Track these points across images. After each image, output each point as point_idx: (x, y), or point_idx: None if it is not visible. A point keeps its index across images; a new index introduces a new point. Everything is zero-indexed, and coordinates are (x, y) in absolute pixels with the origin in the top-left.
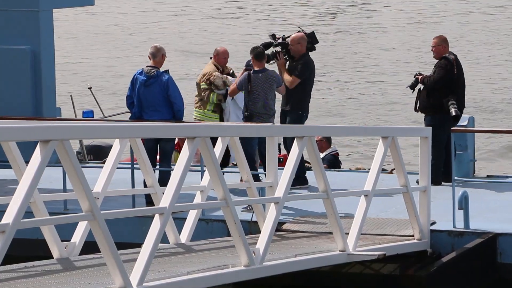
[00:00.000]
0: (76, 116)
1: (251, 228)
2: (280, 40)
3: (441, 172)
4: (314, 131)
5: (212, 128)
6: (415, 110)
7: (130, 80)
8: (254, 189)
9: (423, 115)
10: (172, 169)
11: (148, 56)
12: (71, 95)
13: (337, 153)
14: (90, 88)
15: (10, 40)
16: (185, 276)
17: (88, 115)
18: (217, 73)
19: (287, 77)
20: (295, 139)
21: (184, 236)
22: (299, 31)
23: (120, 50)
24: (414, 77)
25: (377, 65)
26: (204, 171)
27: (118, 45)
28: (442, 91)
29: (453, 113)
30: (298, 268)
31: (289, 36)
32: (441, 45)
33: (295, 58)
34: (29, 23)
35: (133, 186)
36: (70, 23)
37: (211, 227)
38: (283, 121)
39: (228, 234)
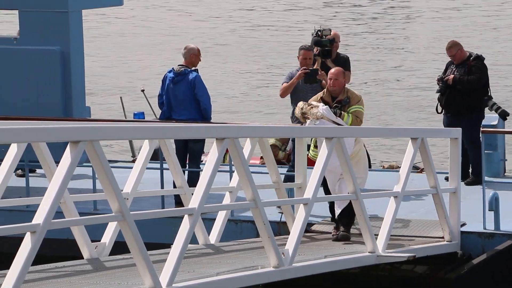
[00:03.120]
0: (126, 118)
1: (280, 229)
2: (324, 38)
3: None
4: (342, 133)
5: (241, 129)
6: (438, 112)
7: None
8: (283, 190)
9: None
10: (201, 170)
11: (182, 55)
12: (120, 97)
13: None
14: (143, 91)
15: (40, 41)
16: (214, 277)
17: (139, 116)
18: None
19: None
20: (324, 140)
21: (213, 236)
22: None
23: (152, 50)
24: (438, 81)
25: (403, 64)
26: (233, 171)
27: (147, 46)
28: (479, 90)
29: (505, 113)
30: (327, 269)
31: (324, 32)
32: (458, 50)
33: (332, 57)
34: (58, 24)
35: (162, 187)
36: (100, 23)
37: (240, 228)
38: None
39: (257, 235)
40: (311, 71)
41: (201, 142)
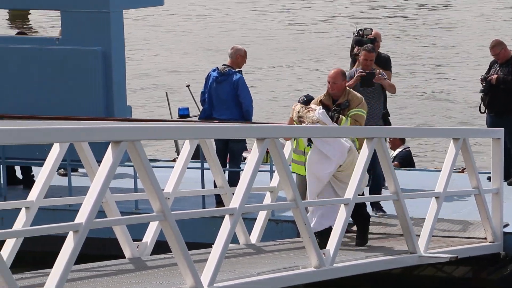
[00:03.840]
0: (171, 113)
1: None
2: (364, 38)
3: None
4: (383, 133)
5: (281, 129)
6: (481, 111)
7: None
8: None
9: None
10: (242, 170)
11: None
12: (166, 92)
13: (410, 150)
14: (188, 86)
15: (81, 41)
16: (255, 277)
17: (184, 112)
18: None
19: (390, 82)
20: (365, 140)
21: (254, 236)
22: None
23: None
24: (482, 81)
25: (447, 64)
26: (274, 171)
27: (186, 45)
28: None
29: None
30: (368, 270)
31: (365, 31)
32: (502, 49)
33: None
34: (100, 24)
35: (203, 187)
36: (141, 23)
37: (280, 228)
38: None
39: (298, 235)
40: (367, 74)
41: (242, 142)
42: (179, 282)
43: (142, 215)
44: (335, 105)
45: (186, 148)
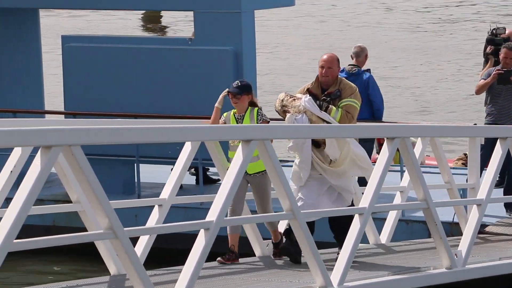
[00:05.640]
0: None
1: (452, 229)
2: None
3: None
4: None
5: (411, 128)
6: None
7: None
8: (456, 190)
9: None
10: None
11: (351, 55)
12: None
13: None
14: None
15: (213, 41)
16: (385, 277)
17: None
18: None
19: None
20: (498, 140)
21: (384, 236)
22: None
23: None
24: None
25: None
26: (404, 171)
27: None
28: None
29: None
30: (503, 271)
31: (498, 31)
32: None
33: None
34: (231, 24)
35: None
36: (272, 22)
37: (411, 228)
38: None
39: (429, 235)
40: (505, 72)
41: (370, 141)
42: (309, 281)
43: (272, 214)
44: (324, 95)
45: None
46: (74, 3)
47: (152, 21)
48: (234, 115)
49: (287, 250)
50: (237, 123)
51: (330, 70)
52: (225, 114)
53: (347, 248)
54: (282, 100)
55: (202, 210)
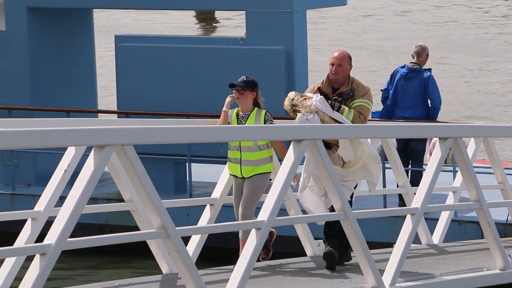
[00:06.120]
0: None
1: (506, 230)
2: None
3: None
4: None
5: (464, 128)
6: None
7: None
8: (509, 190)
9: None
10: (424, 170)
11: (412, 55)
12: None
13: None
14: (382, 90)
15: (265, 40)
16: (438, 278)
17: (376, 115)
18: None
19: None
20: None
21: (437, 237)
22: None
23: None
24: None
25: None
26: (457, 171)
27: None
28: None
29: None
30: None
31: None
32: None
33: None
34: (283, 24)
35: (384, 186)
36: (323, 22)
37: (464, 229)
38: None
39: (482, 236)
40: None
41: (423, 141)
42: (360, 281)
43: (323, 214)
44: (336, 94)
45: None
46: (127, 3)
47: (205, 20)
48: (237, 115)
49: (330, 256)
50: (238, 122)
51: (340, 68)
52: (228, 111)
53: (399, 248)
54: (292, 99)
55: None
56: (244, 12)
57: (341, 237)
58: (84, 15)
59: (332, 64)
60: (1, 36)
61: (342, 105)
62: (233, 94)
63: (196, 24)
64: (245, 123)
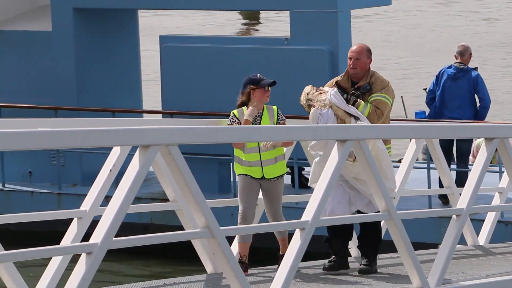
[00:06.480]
0: (406, 117)
1: None
2: None
3: None
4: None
5: (511, 128)
6: None
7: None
8: None
9: None
10: (470, 170)
11: (455, 55)
12: (401, 97)
13: None
14: (425, 89)
15: (309, 40)
16: (484, 279)
17: (421, 115)
18: None
19: None
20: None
21: (482, 238)
22: None
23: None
24: None
25: None
26: (503, 172)
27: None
28: None
29: None
30: None
31: None
32: None
33: None
34: (327, 24)
35: (429, 186)
36: (367, 22)
37: (510, 230)
38: None
39: None
40: None
41: (469, 141)
42: (405, 282)
43: (365, 215)
44: (354, 88)
45: (412, 148)
46: (172, 3)
47: (250, 19)
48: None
49: (334, 268)
50: (253, 121)
51: (358, 61)
52: (235, 112)
53: (445, 249)
54: (308, 94)
55: (297, 210)
56: (288, 12)
57: (377, 250)
58: (129, 16)
59: (350, 58)
60: (47, 37)
61: (358, 99)
62: (255, 105)
63: (242, 23)
64: (260, 121)
